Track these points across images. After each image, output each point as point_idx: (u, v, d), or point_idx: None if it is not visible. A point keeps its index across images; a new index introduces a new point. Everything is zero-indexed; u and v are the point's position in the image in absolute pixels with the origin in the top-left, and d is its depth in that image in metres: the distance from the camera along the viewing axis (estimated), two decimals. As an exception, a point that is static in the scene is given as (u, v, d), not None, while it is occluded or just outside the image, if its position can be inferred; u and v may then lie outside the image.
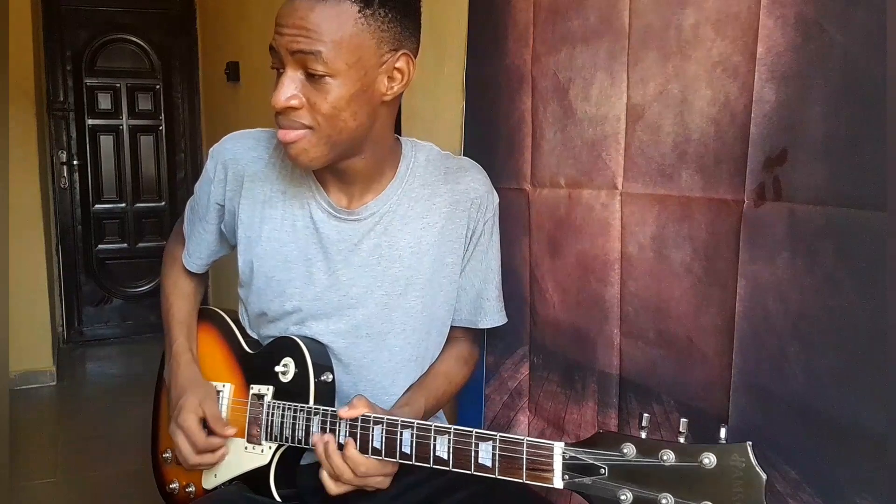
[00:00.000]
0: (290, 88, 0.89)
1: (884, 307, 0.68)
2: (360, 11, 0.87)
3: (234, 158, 1.06)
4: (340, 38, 0.86)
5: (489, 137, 1.29)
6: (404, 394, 1.05)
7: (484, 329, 1.15)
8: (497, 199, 1.12)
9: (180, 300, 1.16)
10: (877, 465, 0.70)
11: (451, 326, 1.12)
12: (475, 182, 1.08)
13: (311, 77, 0.88)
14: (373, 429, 0.88)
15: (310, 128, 0.90)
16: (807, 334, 0.76)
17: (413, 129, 1.57)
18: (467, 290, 1.10)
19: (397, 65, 0.92)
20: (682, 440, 0.70)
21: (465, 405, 1.37)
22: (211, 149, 1.09)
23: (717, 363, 0.87)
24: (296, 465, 1.02)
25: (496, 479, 1.06)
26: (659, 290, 0.95)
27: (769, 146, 0.79)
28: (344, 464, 0.89)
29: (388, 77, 0.93)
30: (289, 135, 0.91)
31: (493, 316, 1.13)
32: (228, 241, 1.14)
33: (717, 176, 0.85)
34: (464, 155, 1.32)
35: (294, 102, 0.89)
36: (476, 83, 1.34)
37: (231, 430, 1.01)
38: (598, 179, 1.05)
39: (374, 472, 0.89)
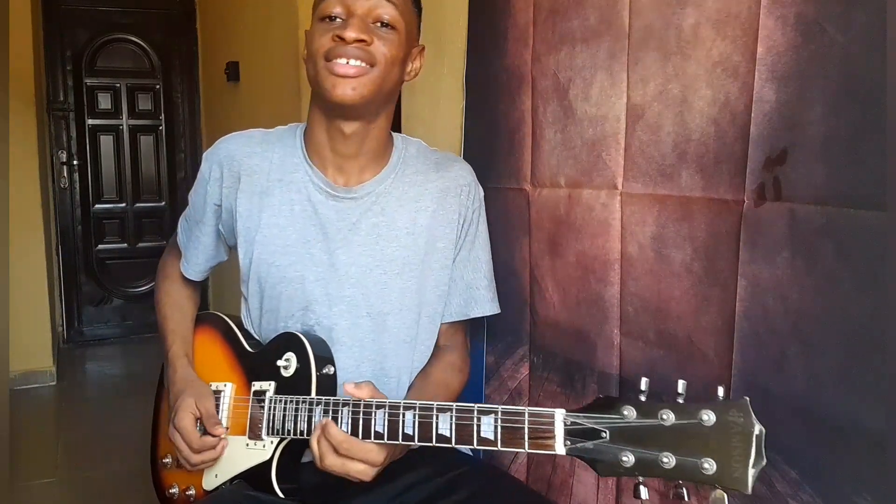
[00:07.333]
0: (362, 27, 0.96)
1: (884, 307, 0.68)
2: None
3: (230, 156, 1.08)
4: (404, 2, 1.00)
5: (489, 137, 1.29)
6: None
7: (481, 326, 1.15)
8: (482, 192, 1.15)
9: (174, 310, 1.17)
10: (876, 465, 0.70)
11: (443, 325, 1.13)
12: (463, 171, 1.13)
13: (378, 25, 0.98)
14: (375, 413, 0.88)
15: (371, 65, 0.97)
16: (807, 334, 0.76)
17: (413, 129, 1.57)
18: (457, 282, 1.12)
19: (417, 55, 1.06)
20: (680, 401, 0.70)
21: (465, 405, 1.37)
22: (205, 153, 1.12)
23: (717, 363, 0.87)
24: (298, 460, 1.02)
25: (496, 477, 1.07)
26: (659, 290, 0.95)
27: (769, 146, 0.79)
28: (326, 442, 0.88)
29: (411, 64, 1.05)
30: (353, 69, 0.96)
31: (483, 305, 1.14)
32: (226, 244, 1.15)
33: (717, 176, 0.85)
34: (463, 155, 1.33)
35: (365, 37, 0.96)
36: (476, 83, 1.34)
37: (221, 429, 1.01)
38: (598, 179, 1.05)
39: (356, 454, 0.87)
